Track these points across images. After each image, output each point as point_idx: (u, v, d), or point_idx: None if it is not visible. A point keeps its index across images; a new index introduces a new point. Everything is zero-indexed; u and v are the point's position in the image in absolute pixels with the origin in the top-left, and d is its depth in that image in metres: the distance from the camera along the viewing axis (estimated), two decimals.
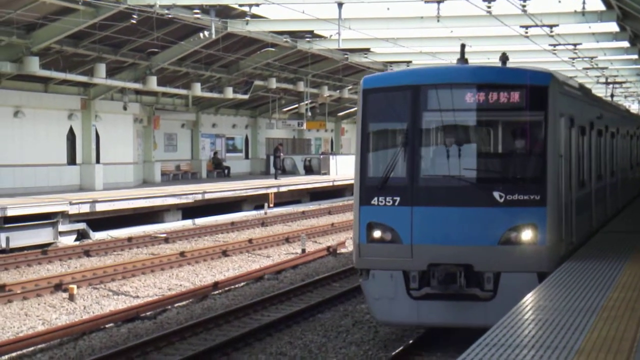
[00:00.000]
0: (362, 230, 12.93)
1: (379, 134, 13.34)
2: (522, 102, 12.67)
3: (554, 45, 33.65)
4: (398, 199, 12.79)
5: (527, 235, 12.46)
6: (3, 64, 30.88)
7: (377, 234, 12.83)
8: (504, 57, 14.47)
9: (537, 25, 28.51)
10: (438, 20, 27.14)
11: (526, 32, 30.16)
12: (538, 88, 12.77)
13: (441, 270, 12.57)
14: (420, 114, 12.94)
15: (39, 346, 14.11)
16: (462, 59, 14.07)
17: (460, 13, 29.70)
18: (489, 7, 24.94)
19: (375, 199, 12.88)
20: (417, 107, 12.94)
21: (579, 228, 14.59)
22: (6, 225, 25.87)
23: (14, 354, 13.58)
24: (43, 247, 26.12)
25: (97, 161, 39.27)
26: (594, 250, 14.25)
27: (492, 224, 12.48)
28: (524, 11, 25.06)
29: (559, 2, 27.19)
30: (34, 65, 31.14)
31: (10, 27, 29.68)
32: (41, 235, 27.13)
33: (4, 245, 25.53)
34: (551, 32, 29.63)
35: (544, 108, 12.71)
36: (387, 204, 12.82)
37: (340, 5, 26.81)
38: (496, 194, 12.50)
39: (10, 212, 26.17)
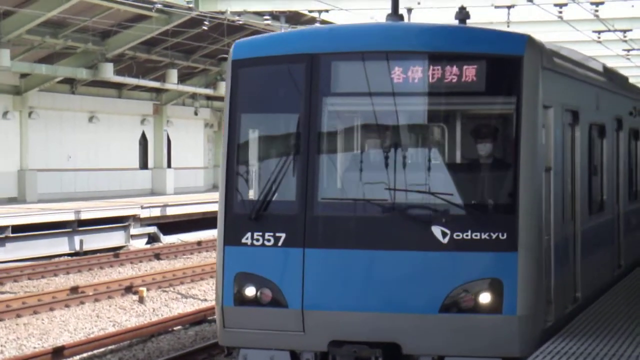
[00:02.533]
0: (226, 285, 8.38)
1: (256, 133, 8.82)
2: (479, 82, 8.11)
3: (628, 51, 33.14)
4: (283, 236, 8.23)
5: (485, 298, 7.96)
6: (79, 70, 31.56)
7: (249, 291, 8.31)
8: (463, 14, 9.45)
9: (609, 30, 28.12)
10: (508, 26, 26.92)
11: (599, 38, 29.76)
12: (505, 60, 8.15)
13: (349, 352, 8.10)
14: (319, 102, 8.29)
15: (109, 347, 14.38)
16: (395, 14, 9.09)
17: (530, 18, 29.43)
18: (560, 12, 24.68)
19: (248, 235, 8.32)
20: (316, 90, 8.27)
21: (588, 275, 10.20)
22: (80, 229, 26.45)
23: (85, 355, 13.87)
24: (115, 250, 26.64)
25: (169, 166, 39.86)
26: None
27: (430, 279, 8.02)
28: (596, 16, 24.75)
29: (632, 6, 26.78)
30: (108, 72, 31.76)
31: (85, 34, 30.33)
32: (113, 239, 27.68)
33: (77, 248, 26.11)
34: (624, 37, 29.19)
35: (515, 92, 8.09)
36: (266, 243, 8.27)
37: (409, 10, 26.82)
38: (437, 231, 8.02)
39: (84, 216, 26.75)
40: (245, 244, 8.36)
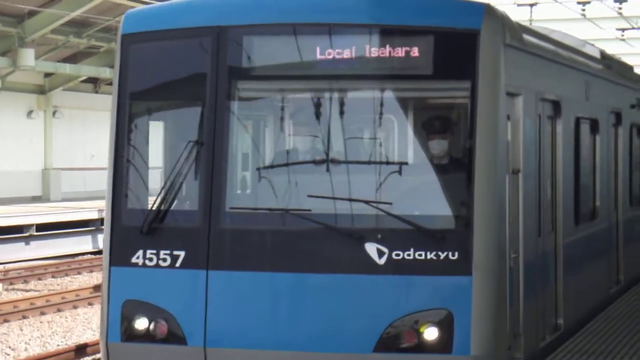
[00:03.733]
0: (112, 316, 6.87)
1: (150, 125, 7.17)
2: (424, 63, 6.57)
3: None
4: (182, 254, 6.71)
5: (431, 334, 6.42)
6: (102, 69, 31.76)
7: (140, 324, 6.80)
8: None
9: (633, 28, 27.97)
10: (530, 23, 26.87)
11: (622, 35, 29.62)
12: (456, 35, 6.60)
13: None
14: (229, 87, 6.77)
15: None
16: None
17: (553, 16, 29.34)
18: (583, 9, 24.60)
19: (140, 254, 6.81)
20: (224, 73, 6.76)
21: (574, 296, 8.85)
22: (103, 227, 26.59)
23: None
24: None
25: None
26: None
27: (363, 310, 6.49)
28: (620, 13, 24.63)
29: None
30: None
31: (109, 33, 30.51)
32: None
33: (101, 246, 26.30)
34: None
35: (469, 75, 6.57)
36: (162, 264, 6.75)
37: None
38: (371, 249, 6.47)
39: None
40: (136, 265, 6.80)
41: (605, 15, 27.36)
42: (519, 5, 25.71)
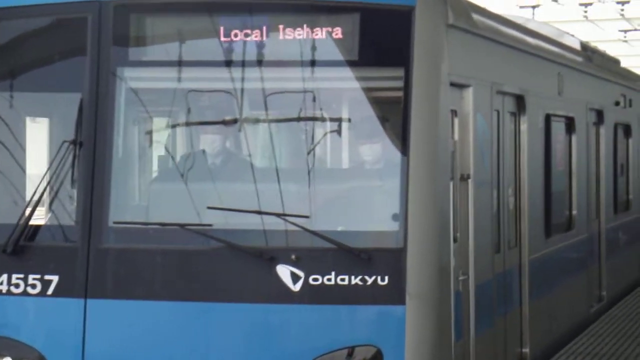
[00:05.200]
0: None
1: (19, 121, 6.02)
2: (350, 47, 5.49)
3: None
4: (55, 279, 5.50)
5: None
6: None
7: None
8: None
9: (636, 29, 28.04)
10: None
11: (625, 37, 29.68)
12: (387, 13, 5.50)
13: None
14: (112, 75, 5.61)
15: None
16: None
17: (555, 18, 29.41)
18: (586, 11, 24.67)
19: (4, 279, 5.60)
20: (106, 57, 5.59)
21: (543, 319, 7.99)
22: None
23: None
24: None
25: None
26: None
27: (274, 346, 5.36)
28: (622, 15, 24.69)
29: None
30: None
31: None
32: None
33: None
34: None
35: (401, 62, 5.45)
36: (30, 291, 5.54)
37: None
38: (284, 273, 5.32)
39: None
40: None
41: (608, 17, 27.43)
42: (521, 7, 25.82)
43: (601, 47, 35.10)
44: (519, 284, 7.38)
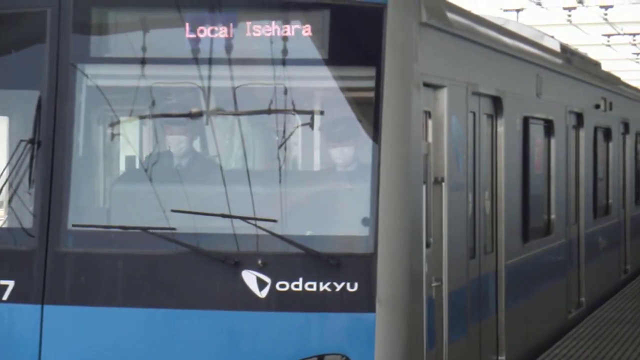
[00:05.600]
0: None
1: None
2: (319, 45, 5.35)
3: (638, 54, 33.15)
4: (10, 285, 5.28)
5: None
6: None
7: None
8: None
9: (619, 34, 28.12)
10: None
11: (608, 41, 29.76)
12: (358, 11, 5.37)
13: None
14: (71, 72, 5.40)
15: None
16: None
17: (539, 22, 29.48)
18: (569, 15, 24.70)
19: None
20: (65, 54, 5.39)
21: (521, 326, 7.86)
22: None
23: None
24: None
25: None
26: None
27: (240, 355, 5.15)
28: (605, 19, 24.74)
29: None
30: None
31: None
32: None
33: None
34: (634, 40, 29.16)
35: (372, 61, 5.32)
36: None
37: None
38: (250, 279, 5.14)
39: None
40: None
41: (591, 21, 27.49)
42: (505, 10, 25.80)
43: (585, 51, 35.29)
44: (495, 290, 7.28)
